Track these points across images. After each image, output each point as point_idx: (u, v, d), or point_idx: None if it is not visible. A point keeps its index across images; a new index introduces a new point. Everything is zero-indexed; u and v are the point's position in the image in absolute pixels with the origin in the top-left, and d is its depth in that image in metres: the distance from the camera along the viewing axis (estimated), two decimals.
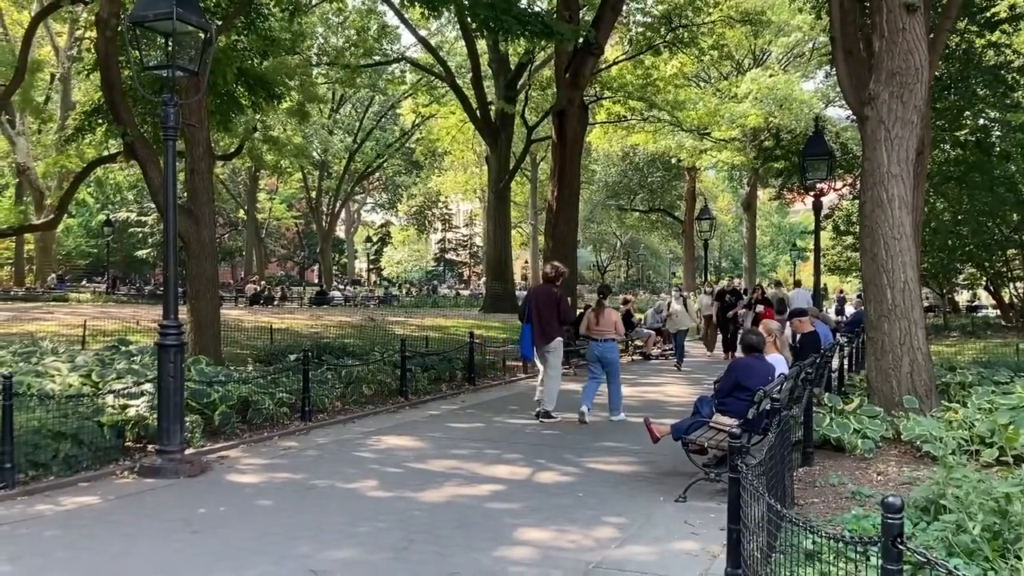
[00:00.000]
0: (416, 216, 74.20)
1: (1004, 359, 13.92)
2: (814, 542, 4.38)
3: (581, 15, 21.02)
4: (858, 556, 4.19)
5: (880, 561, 3.25)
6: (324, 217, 53.35)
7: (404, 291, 56.92)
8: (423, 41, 31.52)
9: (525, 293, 14.35)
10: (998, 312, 28.21)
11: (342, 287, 50.91)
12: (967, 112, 18.56)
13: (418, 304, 42.53)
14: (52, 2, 18.86)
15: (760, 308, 17.91)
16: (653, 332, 20.06)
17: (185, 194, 12.44)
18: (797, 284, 26.23)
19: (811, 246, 21.86)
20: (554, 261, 12.71)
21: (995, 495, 4.86)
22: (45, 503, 6.63)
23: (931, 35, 10.16)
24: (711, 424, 7.25)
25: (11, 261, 47.16)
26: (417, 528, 6.04)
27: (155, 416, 7.90)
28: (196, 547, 5.61)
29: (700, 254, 36.76)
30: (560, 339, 11.20)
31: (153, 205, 30.83)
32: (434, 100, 39.11)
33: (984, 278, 25.13)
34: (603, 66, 25.84)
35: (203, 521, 6.22)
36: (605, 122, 35.31)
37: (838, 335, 15.35)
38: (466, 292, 57.18)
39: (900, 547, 3.16)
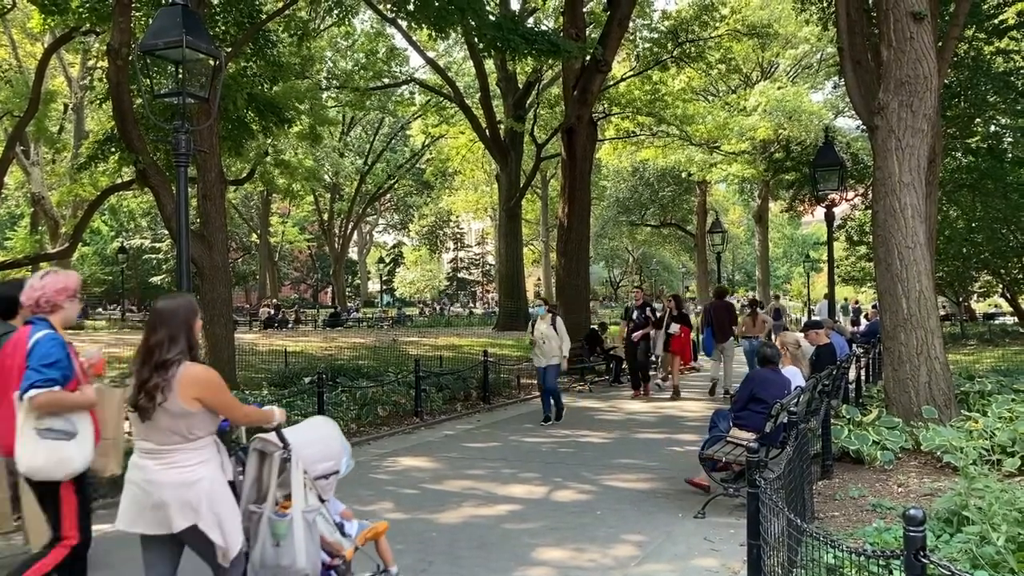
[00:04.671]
0: (428, 236, 74.43)
1: (1023, 367, 13.79)
2: (835, 556, 4.33)
3: (588, 32, 21.10)
4: (880, 570, 4.14)
5: (903, 575, 3.21)
6: (336, 239, 53.57)
7: (417, 310, 57.04)
8: (431, 62, 31.70)
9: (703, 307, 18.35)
10: (1016, 319, 27.98)
11: (356, 310, 51.04)
12: (978, 119, 18.52)
13: (431, 323, 42.59)
14: (65, 33, 19.15)
15: (675, 328, 14.90)
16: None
17: (198, 219, 12.54)
18: (826, 297, 26.17)
19: (824, 257, 21.78)
20: (721, 284, 17.22)
21: (1019, 505, 4.81)
22: None
23: (939, 43, 10.14)
24: (728, 439, 7.20)
25: None
26: (435, 550, 6.01)
27: None
28: None
29: (713, 267, 36.70)
30: (732, 338, 14.91)
31: (167, 231, 31.03)
32: (443, 120, 39.26)
33: (1000, 285, 24.96)
34: (611, 82, 25.91)
35: None
36: (614, 138, 35.37)
37: (854, 346, 15.23)
38: (479, 310, 57.22)
39: (923, 560, 3.12)
